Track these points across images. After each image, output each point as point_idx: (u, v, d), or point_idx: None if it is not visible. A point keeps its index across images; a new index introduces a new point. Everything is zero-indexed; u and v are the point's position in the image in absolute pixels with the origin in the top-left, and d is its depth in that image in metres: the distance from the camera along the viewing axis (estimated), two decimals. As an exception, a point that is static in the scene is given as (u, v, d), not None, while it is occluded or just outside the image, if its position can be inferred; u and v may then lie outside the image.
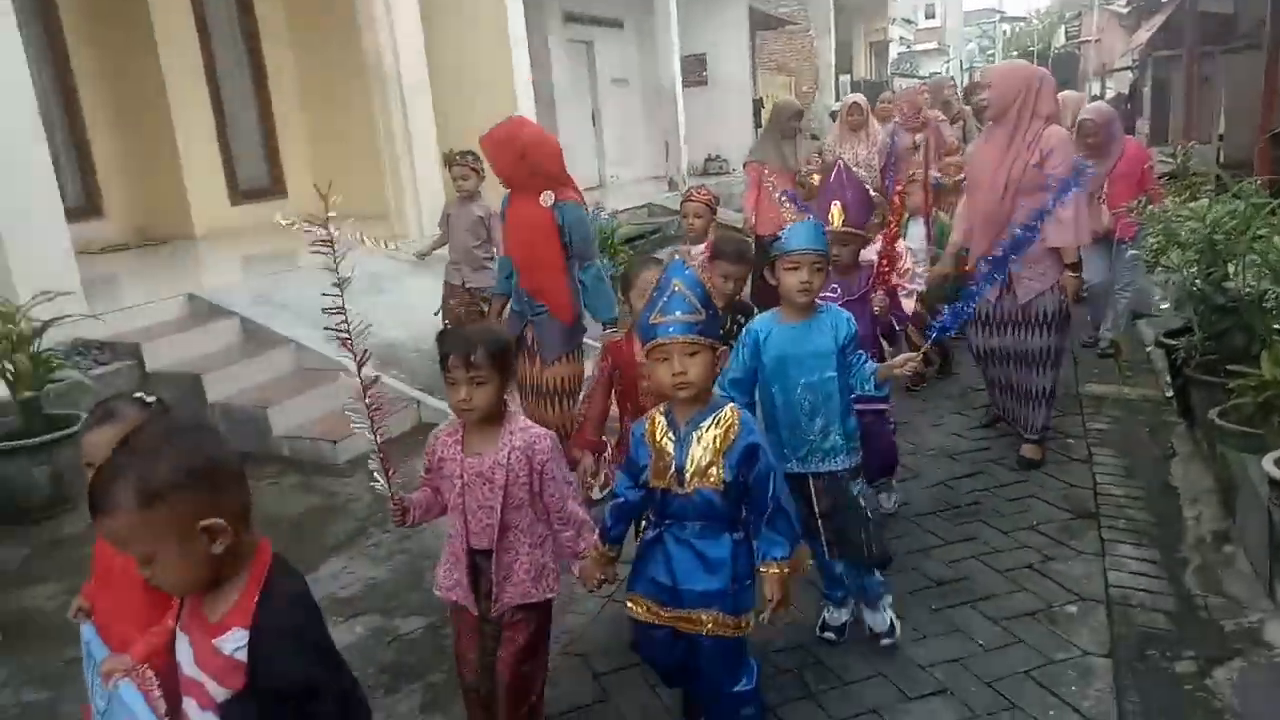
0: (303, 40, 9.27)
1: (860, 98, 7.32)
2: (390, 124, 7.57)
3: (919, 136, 6.49)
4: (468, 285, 4.91)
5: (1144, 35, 12.59)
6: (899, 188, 3.70)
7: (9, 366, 4.02)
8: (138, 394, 2.04)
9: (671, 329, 2.05)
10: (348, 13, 7.56)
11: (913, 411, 4.89)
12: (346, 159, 8.81)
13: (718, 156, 16.07)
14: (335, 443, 4.64)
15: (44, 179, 4.89)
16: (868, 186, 4.52)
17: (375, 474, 2.15)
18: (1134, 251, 5.04)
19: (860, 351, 2.64)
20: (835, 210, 3.11)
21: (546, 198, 3.74)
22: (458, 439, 2.23)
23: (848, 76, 22.05)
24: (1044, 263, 3.82)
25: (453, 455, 2.21)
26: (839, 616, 2.89)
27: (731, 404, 2.15)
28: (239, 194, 8.94)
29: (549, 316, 3.88)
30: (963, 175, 5.28)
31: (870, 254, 3.63)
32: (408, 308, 5.98)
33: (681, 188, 13.39)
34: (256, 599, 1.38)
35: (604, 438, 3.03)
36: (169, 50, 7.95)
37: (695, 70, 15.89)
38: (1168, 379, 4.76)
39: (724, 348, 2.15)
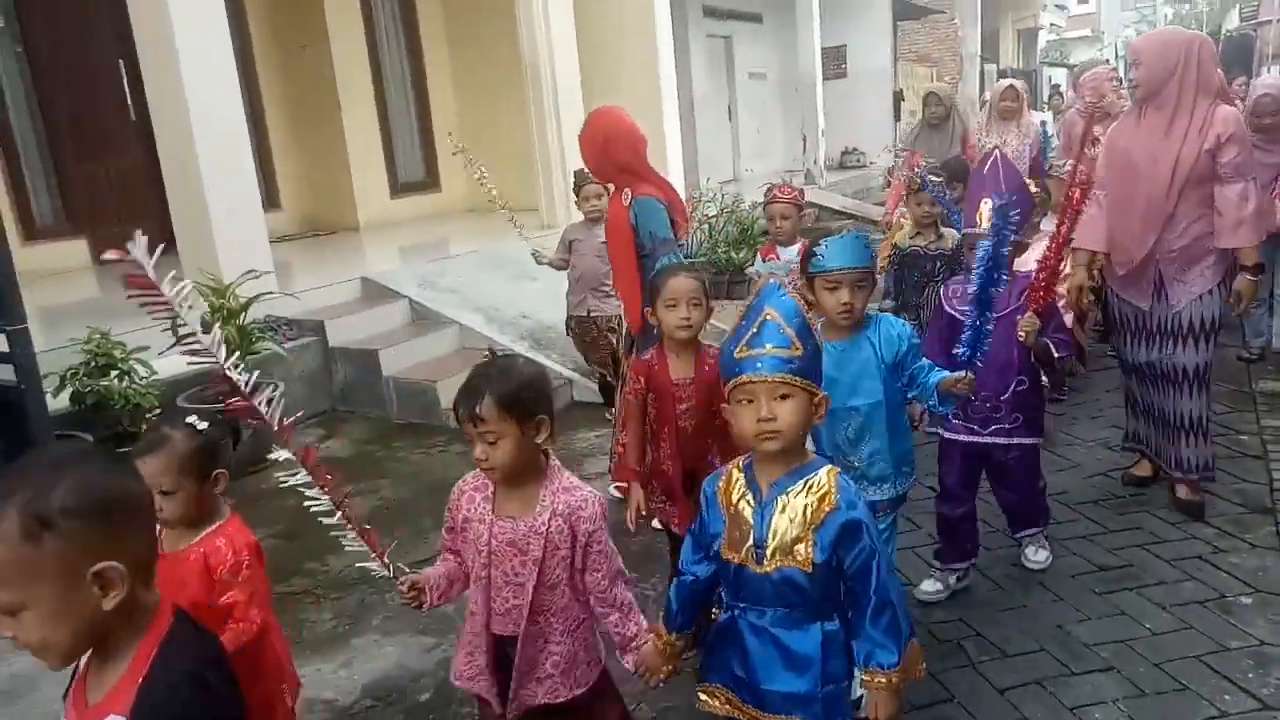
0: (461, 40, 9.77)
1: (1018, 82, 6.82)
2: (543, 121, 7.90)
3: (1098, 129, 5.96)
4: (593, 315, 4.63)
5: (1331, 13, 11.62)
6: (1080, 181, 3.02)
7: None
8: (190, 419, 1.93)
9: (760, 365, 1.64)
10: (506, 14, 7.93)
11: (1069, 404, 4.77)
12: (500, 154, 9.19)
13: (855, 150, 15.87)
14: (498, 415, 4.93)
15: (248, 173, 5.45)
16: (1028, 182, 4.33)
17: (357, 551, 1.76)
18: None
19: (925, 361, 2.41)
20: (985, 208, 2.70)
21: (625, 195, 3.49)
22: (487, 495, 1.88)
23: (993, 66, 21.27)
24: (1206, 261, 3.31)
25: (480, 515, 1.86)
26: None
27: (830, 466, 1.72)
28: (398, 187, 9.51)
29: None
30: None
31: (1030, 262, 3.27)
32: (560, 293, 6.25)
33: (820, 181, 13.34)
34: (141, 679, 1.11)
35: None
36: (340, 49, 8.55)
37: (834, 63, 15.73)
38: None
39: (824, 395, 1.71)
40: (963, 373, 2.27)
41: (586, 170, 4.13)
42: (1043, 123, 6.52)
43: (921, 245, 4.25)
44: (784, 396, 1.65)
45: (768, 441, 1.66)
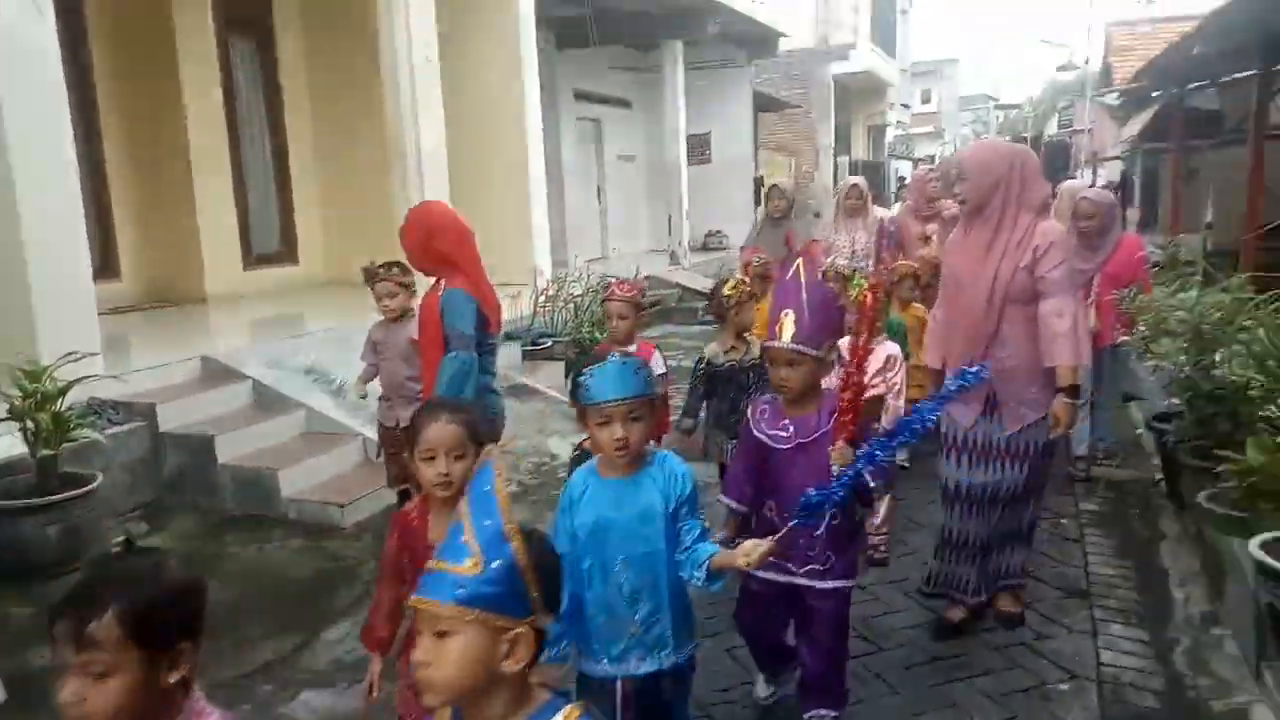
0: (326, 109, 9.60)
1: (859, 180, 6.89)
2: (408, 195, 7.80)
3: (930, 226, 5.95)
4: (402, 426, 3.70)
5: (1134, 128, 13.04)
6: (872, 284, 3.02)
7: (30, 425, 4.12)
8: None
9: (428, 587, 1.26)
10: (373, 86, 7.87)
11: (906, 488, 4.84)
12: (361, 229, 9.08)
13: (718, 232, 16.45)
14: (343, 506, 4.72)
15: (80, 251, 5.09)
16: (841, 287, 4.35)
17: None
18: (1125, 338, 4.77)
19: (696, 519, 2.12)
20: (786, 320, 2.46)
21: (440, 288, 3.46)
22: None
23: (846, 158, 22.65)
24: (1039, 383, 3.15)
25: None
26: None
27: (569, 709, 1.26)
28: (252, 259, 9.16)
29: None
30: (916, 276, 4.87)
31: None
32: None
33: (684, 261, 13.73)
34: None
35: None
36: (195, 112, 8.22)
37: (699, 149, 16.37)
38: (1157, 462, 4.87)
39: (521, 630, 1.24)
40: (754, 543, 2.01)
41: (382, 267, 4.07)
42: (887, 218, 6.63)
43: (736, 359, 3.82)
44: (441, 634, 1.21)
45: (426, 694, 1.24)
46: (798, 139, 20.60)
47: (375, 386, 4.31)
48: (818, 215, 7.97)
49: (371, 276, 4.14)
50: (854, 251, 6.18)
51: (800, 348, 2.43)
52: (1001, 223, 3.16)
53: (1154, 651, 3.25)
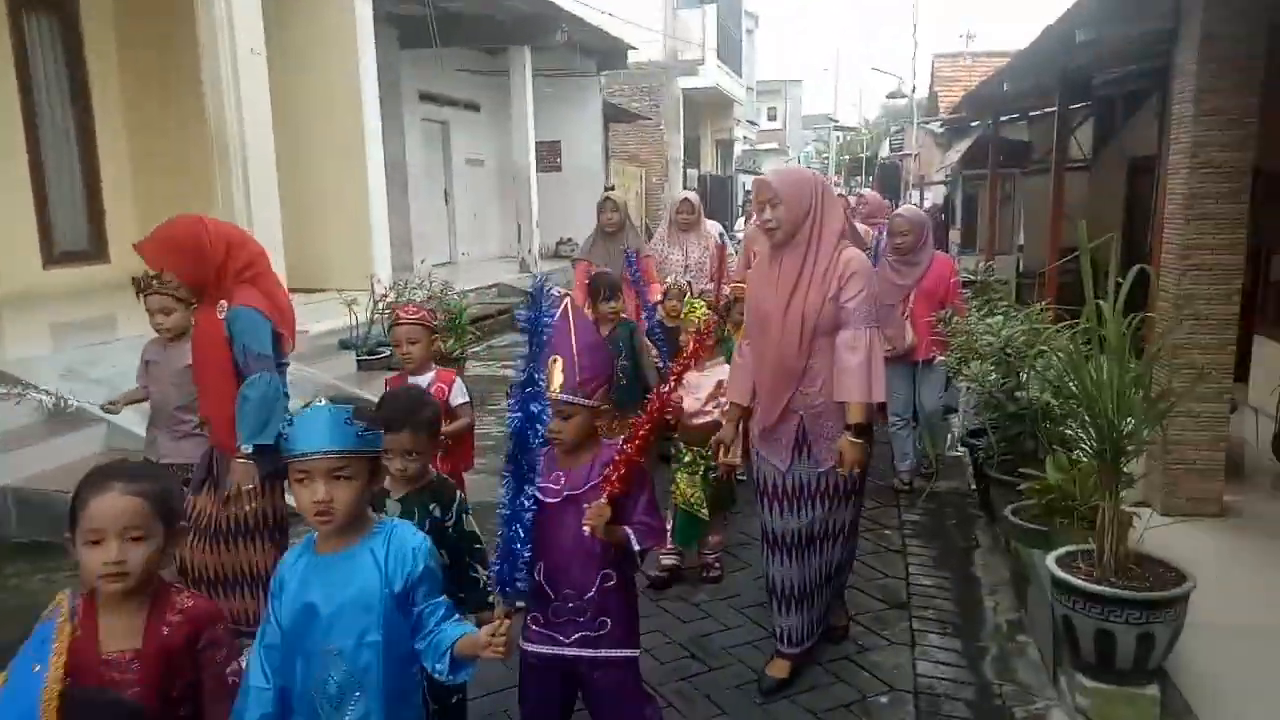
0: (139, 98, 8.86)
1: (690, 193, 6.47)
2: (230, 194, 7.32)
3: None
4: (165, 459, 3.43)
5: (954, 156, 14.00)
6: (710, 304, 2.98)
7: None
8: None
9: None
10: (190, 74, 7.34)
11: (740, 500, 4.58)
12: (179, 226, 8.42)
13: (569, 240, 16.41)
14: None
15: None
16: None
17: None
18: (941, 359, 4.81)
19: (439, 601, 1.83)
20: (555, 368, 2.17)
21: (220, 308, 3.11)
22: None
23: (696, 170, 23.16)
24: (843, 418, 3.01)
25: None
26: None
27: None
28: (54, 256, 8.34)
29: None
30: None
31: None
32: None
33: (534, 269, 13.59)
34: None
35: None
36: (-17, 100, 7.43)
37: (549, 156, 16.29)
38: (971, 474, 5.17)
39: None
40: (498, 621, 1.78)
41: (155, 278, 3.38)
42: (720, 233, 6.56)
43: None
44: None
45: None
46: (649, 151, 20.88)
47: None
48: (651, 235, 7.54)
49: (144, 288, 3.47)
50: (686, 266, 5.94)
51: (570, 398, 2.18)
52: (809, 250, 3.02)
53: (966, 660, 3.41)
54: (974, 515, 4.87)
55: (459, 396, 3.48)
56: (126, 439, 4.97)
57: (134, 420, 5.08)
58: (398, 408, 2.42)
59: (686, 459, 3.96)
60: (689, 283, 5.33)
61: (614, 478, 2.15)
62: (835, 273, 2.99)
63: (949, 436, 5.89)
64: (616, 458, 2.18)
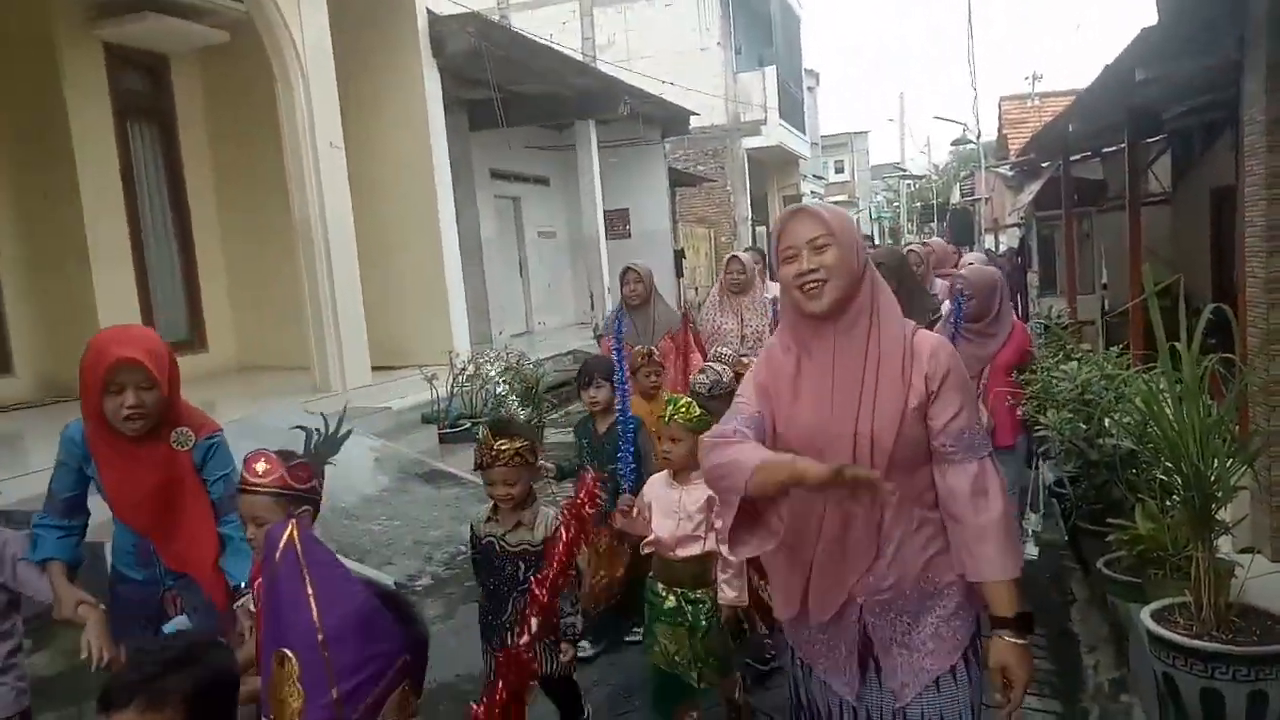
0: (231, 194, 9.48)
1: (741, 253, 5.66)
2: (315, 282, 7.71)
3: None
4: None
5: (1026, 198, 13.76)
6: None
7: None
8: None
9: None
10: (275, 170, 7.81)
11: None
12: (272, 314, 8.95)
13: (641, 304, 16.59)
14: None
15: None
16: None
17: None
18: (1020, 438, 4.22)
19: None
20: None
21: (185, 437, 2.58)
22: None
23: (764, 227, 23.27)
24: (944, 609, 1.87)
25: None
26: None
27: None
28: (157, 347, 8.85)
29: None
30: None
31: None
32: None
33: (606, 334, 13.79)
34: None
35: None
36: (91, 200, 7.98)
37: (618, 224, 16.61)
38: (1061, 524, 4.98)
39: None
40: None
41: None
42: (773, 299, 5.24)
43: (497, 535, 2.79)
44: None
45: None
46: (716, 211, 21.12)
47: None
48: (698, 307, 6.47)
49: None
50: (743, 336, 5.22)
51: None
52: (872, 331, 1.85)
53: (1066, 723, 3.27)
54: (1068, 568, 4.68)
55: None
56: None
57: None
58: None
59: (669, 605, 2.92)
60: (739, 355, 4.84)
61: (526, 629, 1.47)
62: (915, 369, 1.83)
63: (1026, 533, 4.71)
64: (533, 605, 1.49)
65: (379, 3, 8.96)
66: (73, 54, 7.80)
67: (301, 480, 2.22)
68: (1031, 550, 4.52)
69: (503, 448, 2.71)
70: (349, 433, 2.47)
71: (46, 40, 7.63)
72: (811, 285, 1.83)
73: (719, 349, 5.13)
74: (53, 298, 7.98)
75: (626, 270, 5.38)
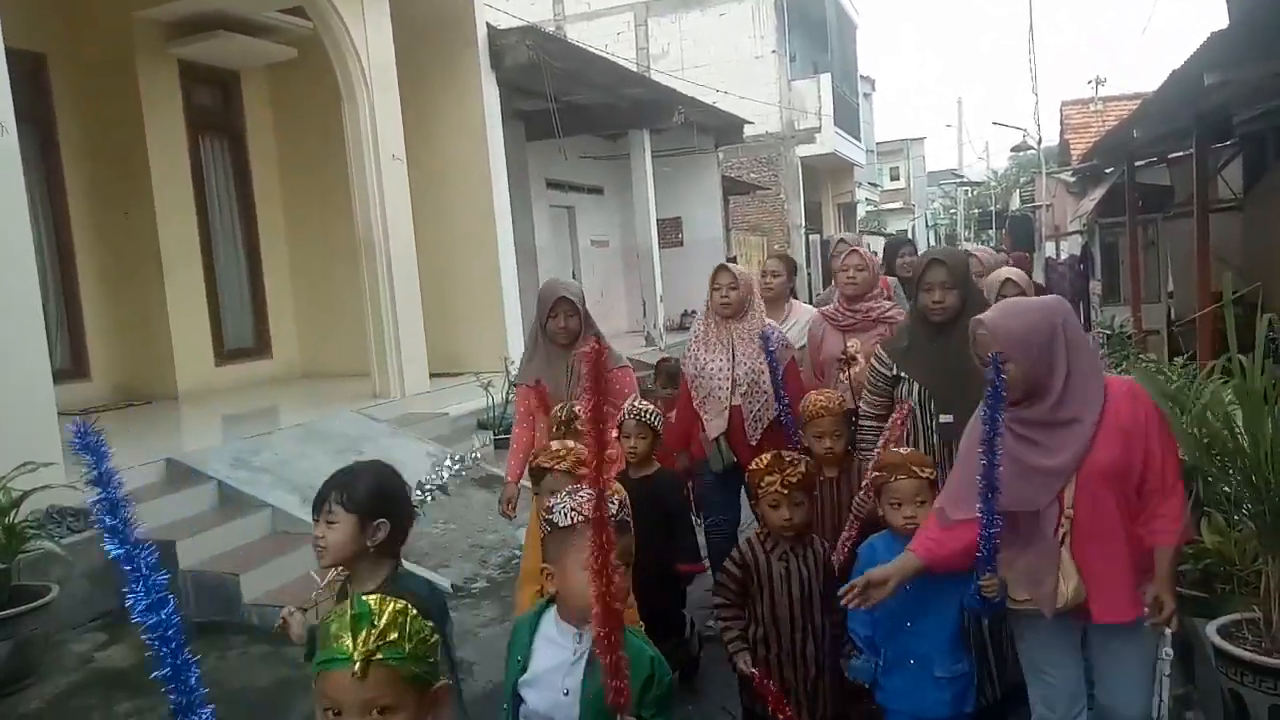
0: (297, 206, 9.78)
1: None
2: (376, 290, 7.90)
3: (853, 343, 3.93)
4: None
5: (1088, 204, 13.45)
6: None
7: (-18, 538, 4.04)
8: None
9: None
10: (341, 182, 8.03)
11: None
12: (333, 321, 9.20)
13: (693, 312, 16.57)
14: (305, 610, 4.62)
15: (37, 353, 5.07)
16: None
17: None
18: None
19: None
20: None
21: None
22: None
23: (818, 235, 23.11)
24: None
25: None
26: None
27: None
28: (224, 353, 9.16)
29: None
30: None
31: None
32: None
33: (660, 343, 13.83)
34: None
35: None
36: (165, 210, 8.31)
37: (672, 232, 16.67)
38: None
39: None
40: None
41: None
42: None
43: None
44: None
45: None
46: (770, 219, 21.04)
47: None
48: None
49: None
50: (734, 380, 4.04)
51: None
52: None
53: (1128, 741, 3.19)
54: (1131, 583, 4.57)
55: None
56: (289, 521, 5.35)
57: (294, 504, 5.48)
58: None
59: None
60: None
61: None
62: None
63: None
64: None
65: (440, 19, 9.17)
66: (150, 73, 8.14)
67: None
68: None
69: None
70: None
71: (126, 62, 7.98)
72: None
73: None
74: (127, 306, 8.32)
75: (546, 286, 4.27)
